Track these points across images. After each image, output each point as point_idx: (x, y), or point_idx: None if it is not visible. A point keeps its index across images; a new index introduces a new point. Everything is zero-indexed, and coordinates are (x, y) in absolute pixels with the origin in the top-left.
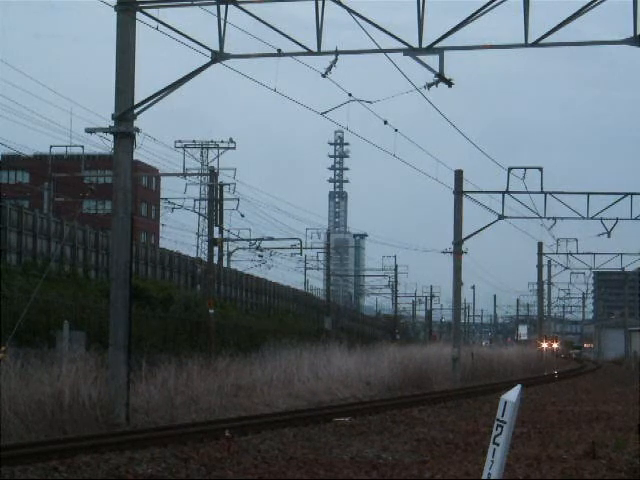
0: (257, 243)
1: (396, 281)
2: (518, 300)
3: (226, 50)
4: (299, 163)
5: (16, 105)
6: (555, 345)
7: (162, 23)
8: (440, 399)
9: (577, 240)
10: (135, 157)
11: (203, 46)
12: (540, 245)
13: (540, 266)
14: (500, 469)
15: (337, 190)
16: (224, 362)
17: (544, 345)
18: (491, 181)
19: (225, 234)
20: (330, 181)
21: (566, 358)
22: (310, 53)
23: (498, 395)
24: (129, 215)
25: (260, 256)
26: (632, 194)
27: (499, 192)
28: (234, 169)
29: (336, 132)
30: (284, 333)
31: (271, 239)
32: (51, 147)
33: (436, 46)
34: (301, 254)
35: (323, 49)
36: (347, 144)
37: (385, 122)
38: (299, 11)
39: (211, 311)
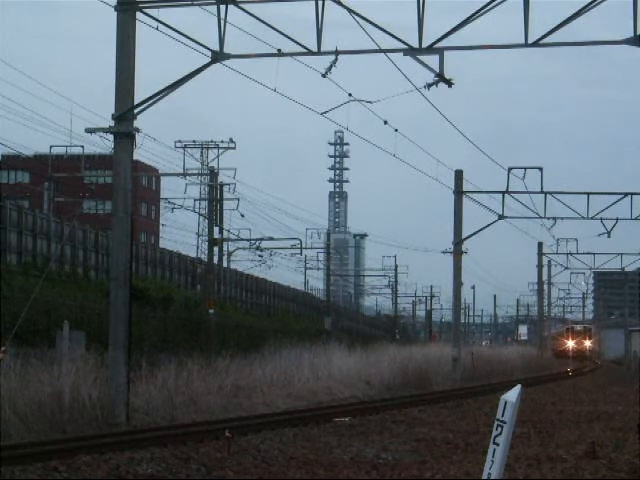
0: (257, 243)
1: (396, 281)
2: (518, 300)
3: (226, 50)
4: (299, 163)
5: (16, 105)
6: (588, 343)
7: (162, 23)
8: (440, 399)
9: (577, 240)
10: (135, 157)
11: (203, 46)
12: (540, 245)
13: (540, 266)
14: (500, 469)
15: (337, 190)
16: (224, 362)
17: (570, 343)
18: (491, 181)
19: (225, 234)
20: (330, 181)
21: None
22: (310, 53)
23: (498, 395)
24: (129, 215)
25: (260, 256)
26: (632, 194)
27: (499, 192)
28: (234, 169)
29: (336, 132)
30: (284, 333)
31: (271, 239)
32: (51, 147)
33: (436, 46)
34: (301, 254)
35: (323, 49)
36: (347, 144)
37: (385, 122)
38: (299, 11)
39: (211, 311)
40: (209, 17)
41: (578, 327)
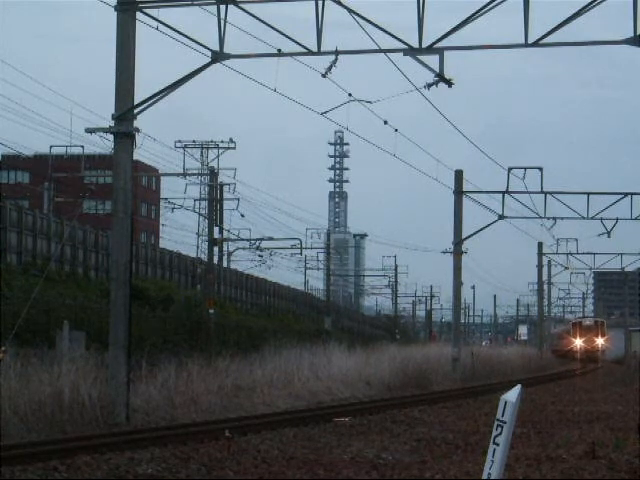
0: (257, 243)
1: (396, 281)
2: (518, 300)
3: (226, 50)
4: (299, 163)
5: (16, 105)
6: (601, 342)
7: (162, 23)
8: (440, 399)
9: (577, 240)
10: (135, 157)
11: (203, 46)
12: (540, 245)
13: (540, 266)
14: (500, 469)
15: (337, 190)
16: (224, 362)
17: (578, 342)
18: (491, 181)
19: (225, 234)
20: (330, 181)
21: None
22: (310, 53)
23: (498, 395)
24: (129, 215)
25: (260, 256)
26: (632, 194)
27: (499, 192)
28: (234, 169)
29: (336, 132)
30: (284, 333)
31: (271, 239)
32: (51, 147)
33: (436, 46)
34: (301, 254)
35: (323, 49)
36: (347, 144)
37: (385, 122)
38: (299, 11)
39: (211, 311)
40: (209, 17)
41: (588, 321)
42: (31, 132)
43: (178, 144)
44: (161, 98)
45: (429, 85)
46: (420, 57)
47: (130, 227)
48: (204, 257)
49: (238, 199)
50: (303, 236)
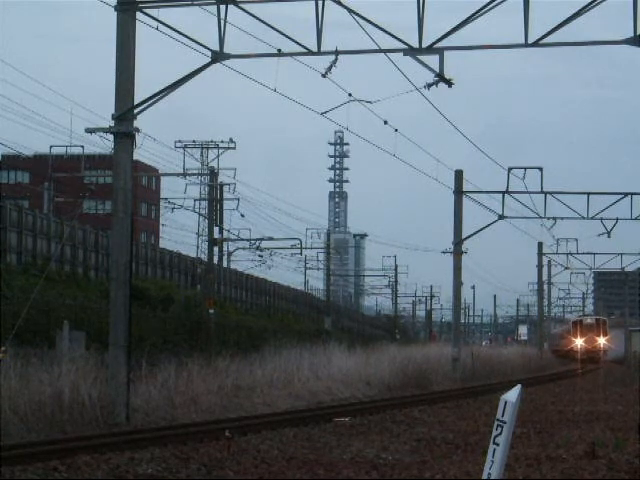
0: (257, 243)
1: (396, 281)
2: (518, 300)
3: (226, 50)
4: (299, 163)
5: (16, 105)
6: (602, 341)
7: (162, 23)
8: (440, 399)
9: (577, 240)
10: (135, 157)
11: (203, 46)
12: (540, 245)
13: (540, 266)
14: (500, 469)
15: (337, 190)
16: (224, 362)
17: (579, 342)
18: (491, 181)
19: (225, 234)
20: (330, 181)
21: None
22: (310, 53)
23: (498, 395)
24: (129, 215)
25: (260, 256)
26: (632, 194)
27: (499, 192)
28: (234, 169)
29: (336, 132)
30: (284, 333)
31: (271, 239)
32: (51, 147)
33: (436, 46)
34: (301, 254)
35: (323, 49)
36: (347, 144)
37: (385, 122)
38: (299, 11)
39: (211, 311)
40: (209, 17)
41: (589, 320)
42: (31, 132)
43: (178, 144)
44: (161, 98)
45: (429, 85)
46: (420, 57)
47: (130, 227)
48: (204, 257)
49: (238, 199)
50: (303, 236)
